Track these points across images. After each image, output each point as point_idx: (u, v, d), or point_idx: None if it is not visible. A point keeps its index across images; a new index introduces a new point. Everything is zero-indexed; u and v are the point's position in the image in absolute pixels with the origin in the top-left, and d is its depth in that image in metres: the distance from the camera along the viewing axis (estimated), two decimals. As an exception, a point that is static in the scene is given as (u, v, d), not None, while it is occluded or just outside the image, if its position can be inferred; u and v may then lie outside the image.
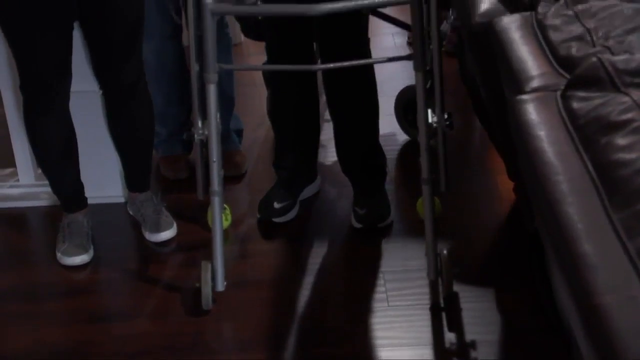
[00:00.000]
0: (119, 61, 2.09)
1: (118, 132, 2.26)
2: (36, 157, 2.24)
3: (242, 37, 3.12)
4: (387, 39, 3.51)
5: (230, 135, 2.60)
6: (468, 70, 2.21)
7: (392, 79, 2.86)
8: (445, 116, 1.94)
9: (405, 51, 3.37)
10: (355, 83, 2.22)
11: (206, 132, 1.93)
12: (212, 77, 1.88)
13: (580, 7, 1.21)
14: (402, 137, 2.75)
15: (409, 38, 3.37)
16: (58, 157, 2.15)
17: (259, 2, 1.85)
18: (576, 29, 1.17)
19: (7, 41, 2.01)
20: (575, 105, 1.02)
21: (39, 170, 2.41)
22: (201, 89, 1.93)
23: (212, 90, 1.90)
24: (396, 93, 2.75)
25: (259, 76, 2.98)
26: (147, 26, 2.29)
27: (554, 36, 1.19)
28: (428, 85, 1.93)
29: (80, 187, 2.24)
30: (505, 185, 2.37)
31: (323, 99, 2.37)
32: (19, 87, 2.06)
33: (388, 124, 2.65)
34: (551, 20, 1.23)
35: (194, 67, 1.93)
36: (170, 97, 2.53)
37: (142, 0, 2.06)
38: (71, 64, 2.05)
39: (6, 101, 2.38)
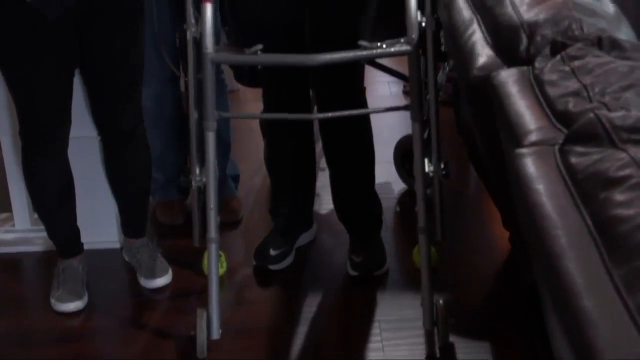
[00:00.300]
0: (118, 108, 2.11)
1: (115, 178, 2.27)
2: (33, 202, 2.24)
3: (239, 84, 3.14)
4: (382, 87, 3.55)
5: (226, 181, 2.61)
6: (464, 120, 2.24)
7: (389, 127, 2.89)
8: (442, 165, 1.95)
9: (401, 99, 3.41)
10: (351, 132, 2.24)
11: (204, 179, 1.94)
12: (211, 125, 1.90)
13: (576, 63, 1.23)
14: (398, 185, 2.76)
15: (404, 87, 3.40)
16: (55, 202, 2.15)
17: (259, 52, 1.87)
18: (573, 84, 1.19)
19: (8, 87, 2.03)
20: (574, 160, 1.04)
21: (35, 216, 2.41)
22: (199, 136, 1.95)
23: (210, 138, 1.91)
24: (392, 141, 2.78)
25: (255, 123, 3.00)
26: (146, 71, 2.31)
27: (551, 91, 1.21)
28: (426, 135, 1.95)
29: (76, 232, 2.24)
30: (501, 235, 2.37)
31: (318, 146, 2.39)
32: (19, 133, 2.07)
33: (384, 172, 2.66)
34: (548, 76, 1.25)
35: (193, 115, 1.95)
36: (168, 142, 2.54)
37: (142, 47, 2.09)
38: (71, 110, 2.07)
39: (4, 145, 2.39)
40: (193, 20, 1.90)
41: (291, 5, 2.08)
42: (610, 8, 1.47)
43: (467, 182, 2.84)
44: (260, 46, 1.87)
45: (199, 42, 1.90)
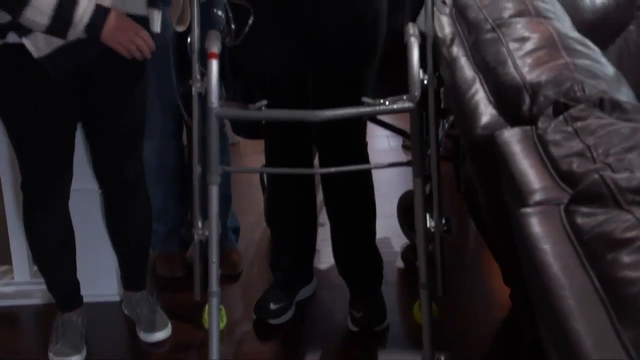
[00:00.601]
0: (119, 162, 2.12)
1: (116, 231, 2.27)
2: (33, 255, 2.23)
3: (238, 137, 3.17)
4: (381, 141, 3.58)
5: (227, 234, 2.61)
6: (464, 176, 2.26)
7: (388, 181, 2.91)
8: (443, 221, 1.96)
9: (400, 153, 3.44)
10: (353, 186, 2.25)
11: (206, 233, 1.94)
12: (215, 179, 1.91)
13: (579, 124, 1.25)
14: (398, 240, 2.76)
15: (403, 141, 3.44)
16: (55, 255, 2.15)
17: (263, 108, 1.90)
18: (576, 145, 1.20)
19: (10, 140, 2.04)
20: (579, 220, 1.05)
21: (35, 268, 2.40)
22: (202, 190, 1.95)
23: (214, 192, 1.92)
24: (392, 195, 2.79)
25: (255, 176, 3.02)
26: (149, 125, 2.33)
27: (555, 151, 1.22)
28: (427, 191, 1.96)
29: (76, 285, 2.23)
30: (501, 291, 2.37)
31: (318, 198, 2.40)
32: (20, 187, 2.07)
33: (384, 227, 2.67)
34: (552, 136, 1.26)
35: (196, 168, 1.97)
36: (170, 195, 2.55)
37: (143, 104, 2.10)
38: (72, 164, 2.07)
39: (6, 198, 2.39)
40: (198, 76, 1.93)
41: (295, 61, 2.11)
42: (610, 70, 1.49)
43: (466, 237, 2.84)
44: (264, 102, 1.90)
45: (204, 97, 1.92)
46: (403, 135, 2.88)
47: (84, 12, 1.82)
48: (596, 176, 1.08)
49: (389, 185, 2.86)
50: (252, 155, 3.32)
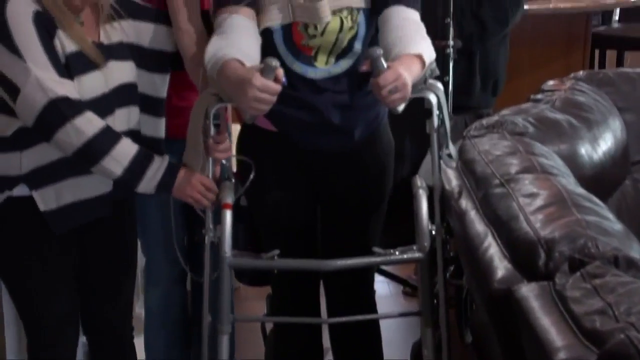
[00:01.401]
0: (109, 314, 2.08)
1: None
2: None
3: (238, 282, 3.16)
4: (382, 287, 3.57)
5: (230, 382, 2.56)
6: (473, 325, 2.26)
7: (392, 328, 2.88)
8: (453, 373, 1.95)
9: (401, 299, 3.44)
10: (361, 335, 2.24)
11: (215, 383, 1.91)
12: (226, 328, 1.91)
13: (597, 281, 1.29)
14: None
15: (404, 288, 3.44)
16: None
17: (275, 257, 1.92)
18: (597, 302, 1.23)
19: (13, 302, 2.00)
20: (610, 381, 1.06)
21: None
22: (212, 339, 1.94)
23: (224, 342, 1.91)
24: (396, 342, 2.76)
25: (257, 322, 2.98)
26: (154, 272, 2.34)
27: (576, 308, 1.25)
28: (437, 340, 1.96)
29: None
30: None
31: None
32: (26, 349, 2.02)
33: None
34: (570, 292, 1.29)
35: (206, 317, 1.96)
36: (173, 343, 2.51)
37: (135, 256, 2.10)
38: (78, 320, 2.03)
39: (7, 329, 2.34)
40: (211, 225, 1.96)
41: (304, 210, 2.14)
42: (618, 226, 1.54)
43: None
44: (277, 251, 1.93)
45: (216, 246, 1.95)
46: (403, 284, 2.89)
47: (157, 170, 1.86)
48: (622, 336, 1.10)
49: (393, 332, 2.84)
50: (253, 301, 3.30)
